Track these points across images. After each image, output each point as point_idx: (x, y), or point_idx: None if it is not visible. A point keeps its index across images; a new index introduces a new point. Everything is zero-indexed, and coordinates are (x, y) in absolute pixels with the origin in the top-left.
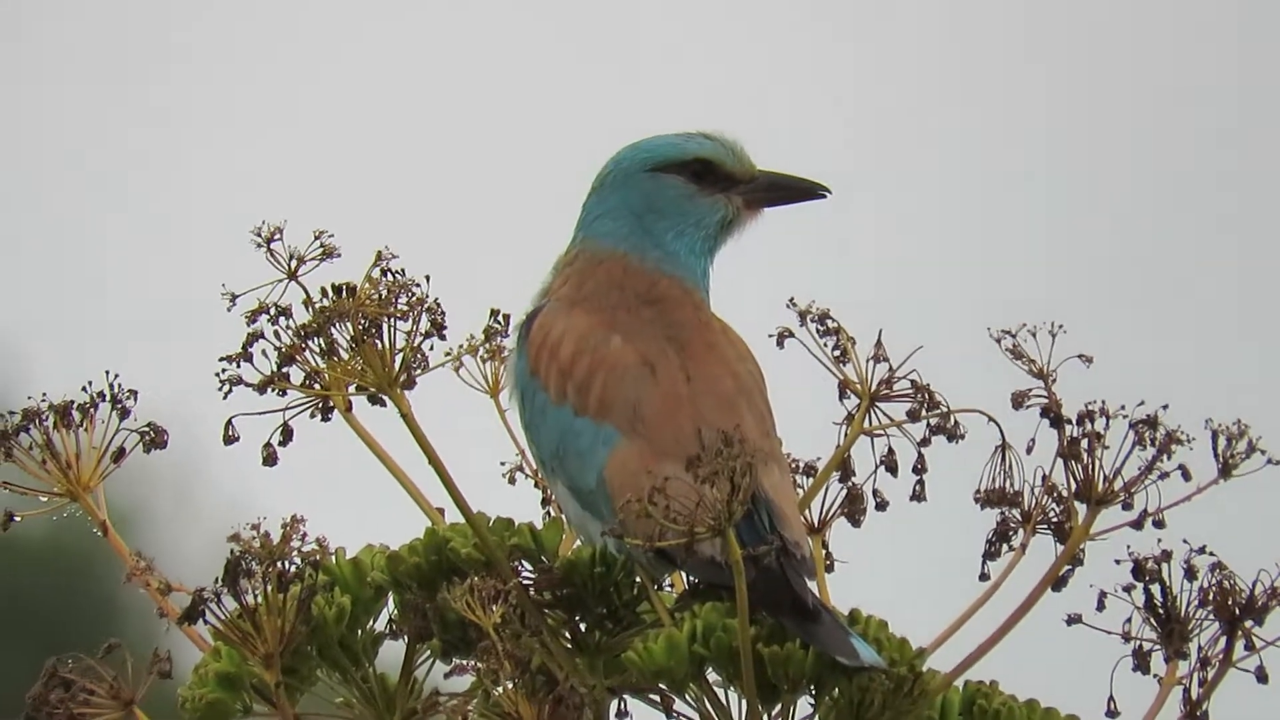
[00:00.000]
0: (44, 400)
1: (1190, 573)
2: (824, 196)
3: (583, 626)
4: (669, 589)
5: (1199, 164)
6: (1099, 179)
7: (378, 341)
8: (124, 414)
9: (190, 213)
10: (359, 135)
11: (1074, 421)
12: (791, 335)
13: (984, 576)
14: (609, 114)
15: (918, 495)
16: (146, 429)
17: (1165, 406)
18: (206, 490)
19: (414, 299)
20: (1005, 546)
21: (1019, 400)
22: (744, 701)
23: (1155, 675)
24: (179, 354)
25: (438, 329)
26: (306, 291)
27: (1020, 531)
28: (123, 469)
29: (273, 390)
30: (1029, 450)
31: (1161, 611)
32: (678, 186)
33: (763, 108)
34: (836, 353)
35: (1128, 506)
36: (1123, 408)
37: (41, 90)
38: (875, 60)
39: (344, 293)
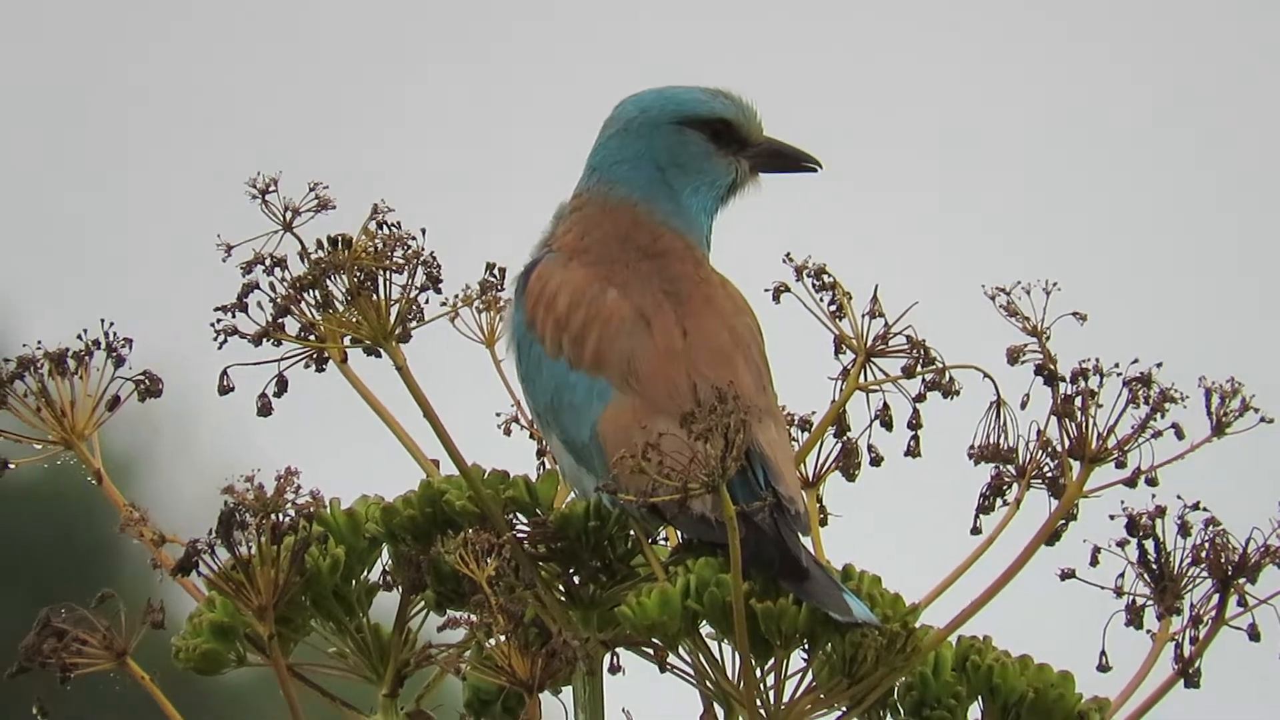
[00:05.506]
0: (39, 348)
1: (1184, 529)
2: (815, 171)
3: (577, 580)
4: (663, 542)
5: (1190, 127)
6: (1096, 136)
7: (373, 294)
8: (119, 362)
9: (189, 162)
10: (355, 86)
11: (1068, 379)
12: (787, 290)
13: (976, 530)
14: (608, 66)
15: (912, 451)
16: (141, 377)
17: (1159, 364)
18: (206, 438)
19: (410, 252)
20: (999, 501)
21: (1014, 356)
22: (737, 656)
23: (1148, 631)
24: (176, 303)
25: (433, 282)
26: (302, 243)
27: (1015, 486)
28: (123, 415)
29: (268, 341)
30: (1023, 406)
31: (1155, 567)
32: (699, 143)
33: (745, 59)
34: (833, 308)
35: (1121, 464)
36: (1116, 365)
37: (38, 34)
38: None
39: (340, 245)
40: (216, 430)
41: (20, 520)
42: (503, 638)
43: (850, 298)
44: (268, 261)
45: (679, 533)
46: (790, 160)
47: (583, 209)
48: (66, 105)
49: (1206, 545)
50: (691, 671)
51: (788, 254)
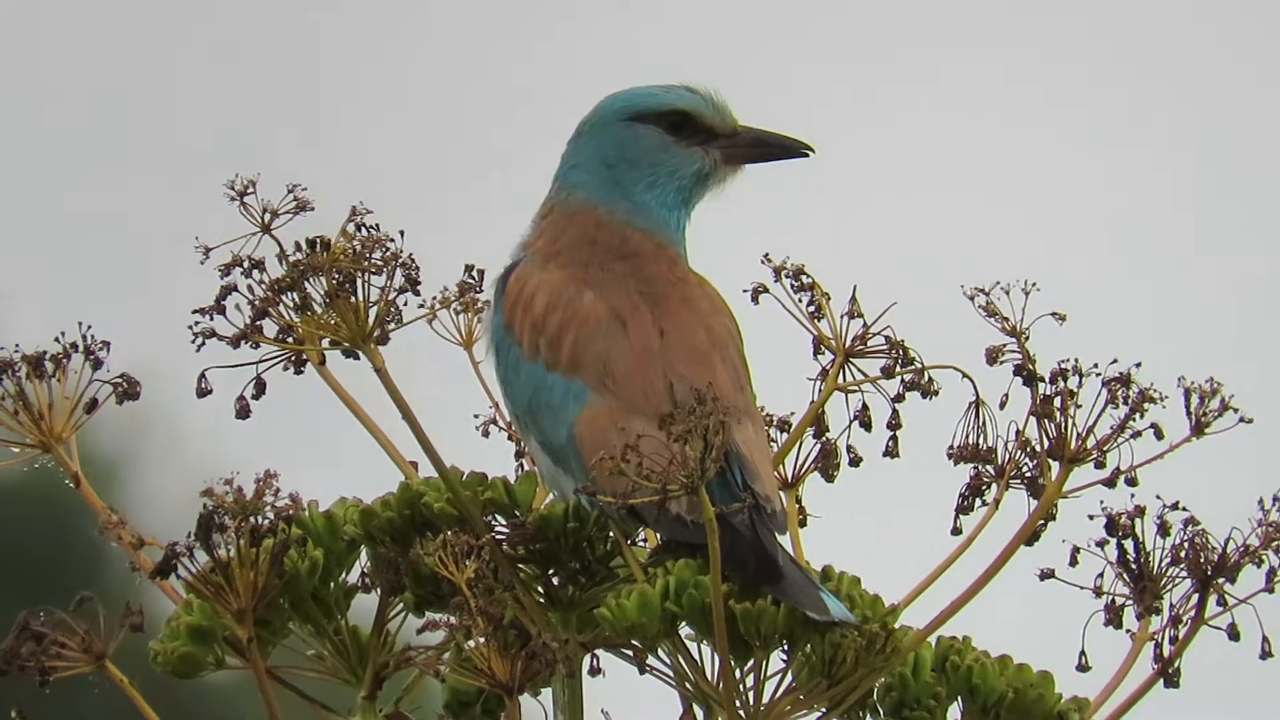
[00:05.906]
0: (17, 350)
1: (1163, 529)
2: (806, 155)
3: (556, 581)
4: (642, 543)
5: (1176, 126)
6: (1078, 134)
7: (351, 296)
8: (97, 365)
9: (186, 160)
10: (334, 89)
11: (1047, 379)
12: (766, 291)
13: (956, 531)
14: (591, 65)
15: (891, 451)
16: (119, 380)
17: (1138, 364)
18: (195, 440)
19: (388, 254)
20: (978, 501)
21: (993, 356)
22: (717, 657)
23: (1128, 631)
24: (167, 305)
25: (412, 284)
26: (280, 245)
27: (994, 487)
28: (109, 418)
29: (246, 343)
30: (1002, 406)
31: (1134, 567)
32: (653, 136)
33: (744, 58)
34: (811, 308)
35: (1100, 464)
36: (1095, 365)
37: (41, 42)
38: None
39: (318, 247)
40: (204, 433)
41: (6, 521)
42: (482, 640)
43: (829, 298)
44: (246, 264)
45: (658, 534)
46: (776, 148)
47: (549, 215)
48: (50, 100)
49: (1186, 545)
50: (671, 673)
51: (766, 254)
